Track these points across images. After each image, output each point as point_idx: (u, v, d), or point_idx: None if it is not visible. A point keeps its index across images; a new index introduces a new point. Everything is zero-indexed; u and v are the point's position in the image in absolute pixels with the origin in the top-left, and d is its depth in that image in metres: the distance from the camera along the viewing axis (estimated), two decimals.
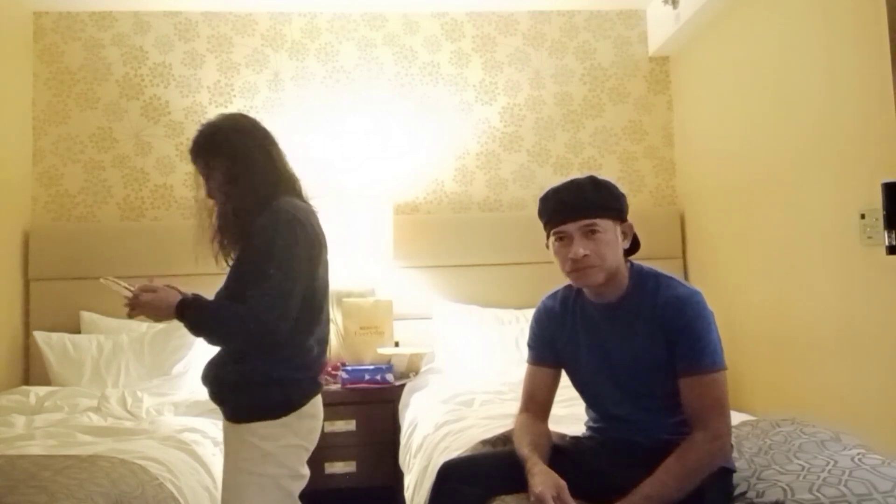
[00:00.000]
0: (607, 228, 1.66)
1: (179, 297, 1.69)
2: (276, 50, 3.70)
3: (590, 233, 1.66)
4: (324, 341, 1.82)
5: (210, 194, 1.80)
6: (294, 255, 1.67)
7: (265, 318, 1.63)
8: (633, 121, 3.85)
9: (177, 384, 3.00)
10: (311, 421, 1.77)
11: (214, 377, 1.77)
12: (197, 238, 1.81)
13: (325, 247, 1.81)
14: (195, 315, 1.67)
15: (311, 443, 1.79)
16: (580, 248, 1.64)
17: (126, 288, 1.72)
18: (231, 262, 1.79)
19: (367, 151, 3.70)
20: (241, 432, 1.70)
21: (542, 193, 1.75)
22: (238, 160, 1.75)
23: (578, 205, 1.67)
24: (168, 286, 1.72)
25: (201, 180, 1.81)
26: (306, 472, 1.79)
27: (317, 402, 1.80)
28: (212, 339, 1.72)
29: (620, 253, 1.70)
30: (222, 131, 1.79)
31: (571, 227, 1.67)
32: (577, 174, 1.78)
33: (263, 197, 1.73)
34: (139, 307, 1.68)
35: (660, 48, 3.73)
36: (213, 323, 1.68)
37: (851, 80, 2.37)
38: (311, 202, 1.85)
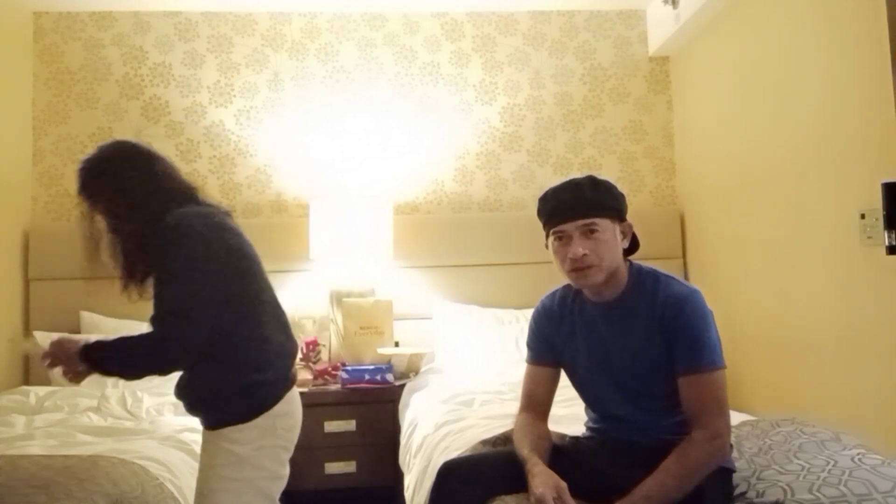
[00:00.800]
0: (606, 228, 1.67)
1: (80, 345, 1.65)
2: (276, 50, 3.70)
3: (589, 232, 1.66)
4: (281, 332, 1.78)
5: (109, 230, 1.75)
6: (188, 264, 1.62)
7: (169, 339, 1.60)
8: (633, 121, 3.85)
9: None
10: (285, 419, 1.73)
11: (185, 393, 1.75)
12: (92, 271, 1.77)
13: (238, 242, 1.73)
14: (98, 356, 1.64)
15: (290, 441, 1.76)
16: (579, 248, 1.65)
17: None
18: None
19: (367, 151, 3.70)
20: (215, 438, 1.70)
21: (541, 193, 1.76)
22: (119, 190, 1.71)
23: (577, 204, 1.67)
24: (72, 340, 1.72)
25: (96, 217, 1.76)
26: (285, 471, 1.77)
27: (290, 399, 1.76)
28: (128, 375, 1.71)
29: (619, 252, 1.70)
30: (99, 165, 1.74)
31: (570, 227, 1.67)
32: (576, 174, 1.77)
33: (150, 217, 1.68)
34: (55, 363, 1.68)
35: (660, 48, 3.73)
36: (119, 359, 1.64)
37: (851, 80, 2.37)
38: (217, 205, 1.79)
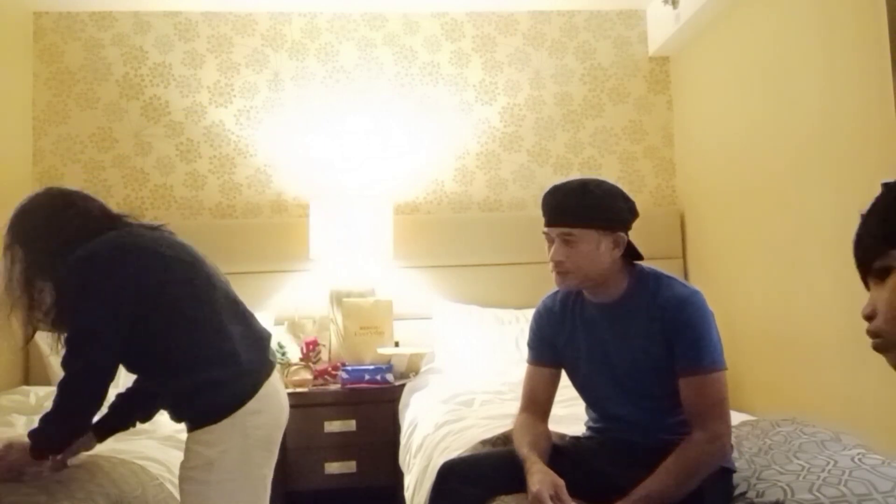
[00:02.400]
0: (585, 238, 1.65)
1: (24, 439, 1.69)
2: (276, 50, 3.70)
3: (567, 240, 1.66)
4: (241, 325, 1.74)
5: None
6: (84, 294, 1.61)
7: (75, 375, 1.62)
8: (633, 121, 3.85)
9: None
10: (256, 417, 1.68)
11: (162, 403, 1.81)
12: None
13: (160, 255, 1.70)
14: (38, 438, 1.67)
15: (265, 440, 1.72)
16: (556, 254, 1.68)
17: None
18: None
19: (367, 151, 3.70)
20: (189, 440, 1.70)
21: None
22: (23, 244, 1.70)
23: (557, 211, 1.68)
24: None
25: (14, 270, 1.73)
26: (265, 470, 1.75)
27: (263, 397, 1.70)
28: (71, 434, 1.74)
29: (604, 262, 1.67)
30: (12, 225, 1.73)
31: (552, 232, 1.69)
32: (578, 174, 1.77)
33: (50, 263, 1.67)
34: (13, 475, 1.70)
35: (660, 48, 3.73)
36: (51, 428, 1.66)
37: (851, 80, 2.37)
38: (140, 225, 1.78)
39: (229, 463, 1.66)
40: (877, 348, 0.82)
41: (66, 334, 1.63)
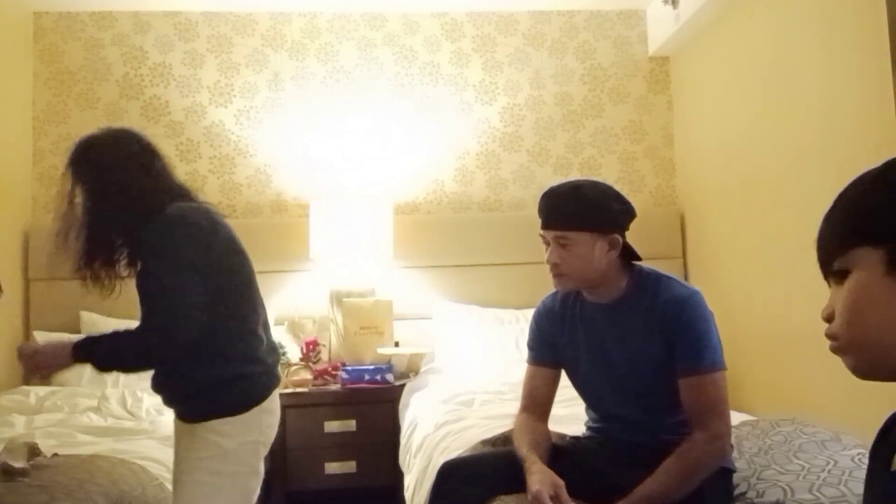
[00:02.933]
0: (580, 241, 1.65)
1: (73, 343, 1.65)
2: (276, 50, 3.70)
3: (561, 243, 1.67)
4: (266, 330, 1.79)
5: (82, 212, 1.72)
6: (182, 256, 1.61)
7: (162, 330, 1.59)
8: (633, 121, 3.85)
9: None
10: (269, 416, 1.73)
11: (168, 385, 1.74)
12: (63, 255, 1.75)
13: (232, 238, 1.74)
14: (90, 349, 1.64)
15: (270, 438, 1.76)
16: (551, 256, 1.69)
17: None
18: (108, 284, 1.76)
19: (367, 151, 3.70)
20: (199, 430, 1.66)
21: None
22: (112, 176, 1.69)
23: (550, 215, 1.69)
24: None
25: (76, 197, 1.73)
26: (263, 469, 1.76)
27: (275, 398, 1.76)
28: (123, 367, 1.74)
29: (600, 264, 1.67)
30: (96, 147, 1.74)
31: (548, 235, 1.70)
32: (578, 174, 1.78)
33: (143, 211, 1.66)
34: (26, 358, 1.70)
35: (660, 48, 3.73)
36: (113, 351, 1.64)
37: (851, 80, 2.37)
38: (212, 205, 1.80)
39: (244, 455, 1.67)
40: (834, 351, 0.82)
41: (150, 291, 1.61)
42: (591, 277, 1.69)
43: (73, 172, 1.74)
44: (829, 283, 0.82)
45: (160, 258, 1.61)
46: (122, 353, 1.64)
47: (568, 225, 1.66)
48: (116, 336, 1.63)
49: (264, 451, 1.74)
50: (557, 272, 1.69)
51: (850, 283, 0.77)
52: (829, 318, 0.81)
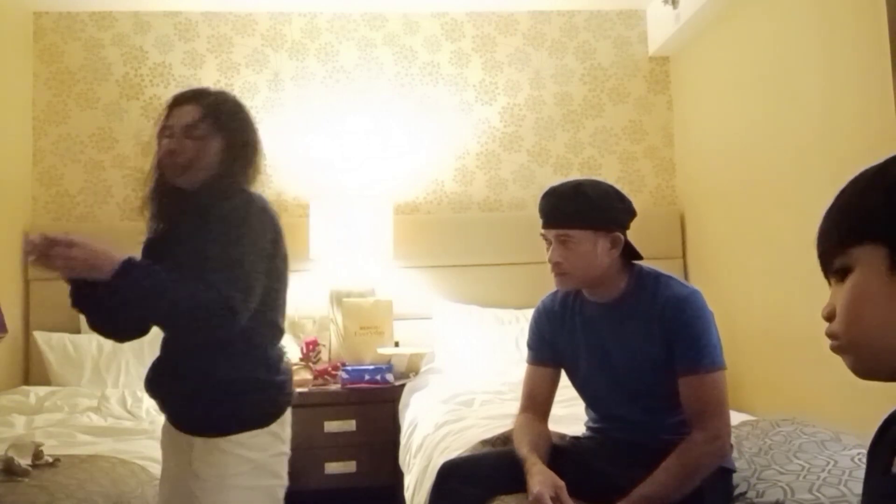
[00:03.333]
0: (582, 239, 1.66)
1: (124, 256, 1.44)
2: (276, 50, 3.70)
3: (564, 241, 1.67)
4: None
5: (197, 155, 1.59)
6: (261, 246, 1.54)
7: (225, 292, 1.42)
8: (633, 121, 3.85)
9: None
10: (289, 427, 1.64)
11: (182, 386, 1.56)
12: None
13: (285, 244, 1.66)
14: (143, 273, 1.43)
15: (289, 448, 1.65)
16: (554, 255, 1.69)
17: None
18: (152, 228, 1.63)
19: (367, 151, 3.70)
20: (224, 445, 1.51)
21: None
22: (240, 138, 1.62)
23: (552, 214, 1.70)
24: None
25: (194, 133, 1.59)
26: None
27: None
28: (155, 306, 1.45)
29: (602, 262, 1.68)
30: (231, 104, 1.66)
31: (549, 234, 1.71)
32: (578, 174, 1.78)
33: (241, 183, 1.59)
34: (63, 246, 1.44)
35: (660, 48, 3.73)
36: (162, 285, 1.43)
37: (851, 80, 2.37)
38: None
39: (276, 468, 1.57)
40: (834, 350, 0.80)
41: (227, 264, 1.46)
42: (593, 276, 1.69)
43: (212, 119, 1.60)
44: (829, 281, 0.81)
45: (245, 233, 1.51)
46: (173, 294, 1.42)
47: (570, 223, 1.66)
48: (177, 277, 1.43)
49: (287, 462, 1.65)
50: (559, 271, 1.69)
51: (851, 281, 0.76)
52: (829, 317, 0.80)
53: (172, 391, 1.59)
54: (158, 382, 1.60)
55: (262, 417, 1.56)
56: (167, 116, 1.64)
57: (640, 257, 1.76)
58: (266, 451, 1.55)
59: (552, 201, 1.70)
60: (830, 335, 0.80)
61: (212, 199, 1.55)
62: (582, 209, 1.66)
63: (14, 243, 3.34)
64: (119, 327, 1.63)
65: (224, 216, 1.53)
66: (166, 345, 1.65)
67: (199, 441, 1.54)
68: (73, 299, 1.55)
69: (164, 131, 1.62)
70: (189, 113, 1.60)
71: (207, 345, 1.54)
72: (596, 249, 1.67)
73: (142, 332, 1.65)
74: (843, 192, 0.83)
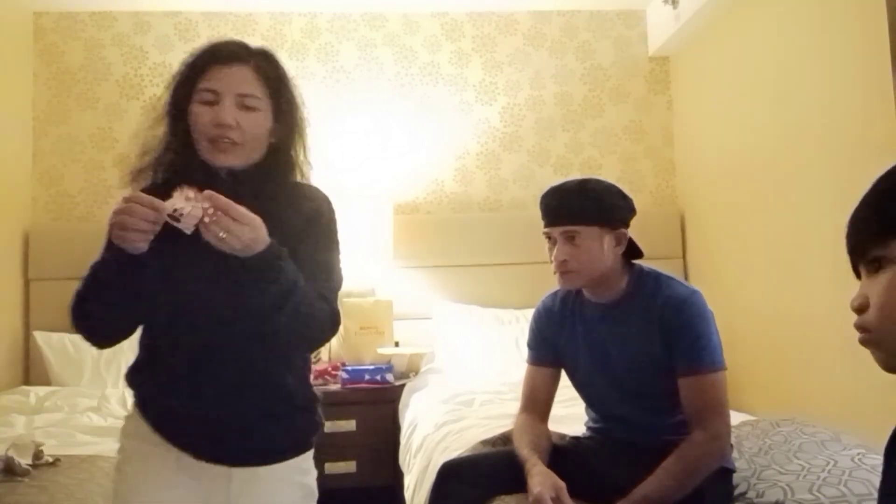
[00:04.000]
0: (589, 236, 1.66)
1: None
2: (276, 50, 3.69)
3: (570, 239, 1.67)
4: None
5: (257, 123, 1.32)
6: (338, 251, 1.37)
7: (335, 305, 1.28)
8: (633, 121, 3.85)
9: None
10: None
11: (251, 408, 1.28)
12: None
13: None
14: (290, 264, 1.21)
15: None
16: (560, 253, 1.68)
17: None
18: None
19: (367, 151, 3.70)
20: (279, 474, 1.31)
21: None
22: (297, 113, 1.42)
23: (560, 211, 1.69)
24: None
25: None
26: None
27: None
28: (292, 310, 1.21)
29: (607, 260, 1.69)
30: (285, 68, 1.44)
31: (555, 232, 1.70)
32: (578, 175, 1.78)
33: (302, 167, 1.42)
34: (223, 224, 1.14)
35: (660, 48, 3.73)
36: (299, 288, 1.21)
37: (851, 80, 2.37)
38: None
39: (317, 489, 1.42)
40: (864, 343, 0.77)
41: (332, 271, 1.33)
42: (599, 274, 1.69)
43: (276, 81, 1.38)
44: (858, 272, 0.77)
45: (337, 236, 1.37)
46: (308, 297, 1.23)
47: (578, 220, 1.66)
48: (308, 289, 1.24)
49: None
50: (565, 269, 1.68)
51: (890, 274, 0.73)
52: (860, 309, 0.76)
53: (237, 413, 1.28)
54: (214, 404, 1.26)
55: (314, 437, 1.39)
56: (207, 75, 1.30)
57: (641, 255, 1.76)
58: (313, 474, 1.41)
59: (558, 199, 1.70)
60: (861, 327, 0.76)
61: (291, 189, 1.36)
62: (589, 206, 1.67)
63: (14, 243, 3.34)
64: (119, 325, 1.32)
65: (320, 214, 1.36)
66: (213, 359, 1.27)
67: (240, 473, 1.28)
68: (106, 275, 1.23)
69: (204, 94, 1.29)
70: (244, 77, 1.31)
71: (277, 358, 1.30)
72: (602, 246, 1.68)
73: (129, 334, 1.34)
74: (883, 179, 0.77)
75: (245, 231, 1.14)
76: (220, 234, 1.13)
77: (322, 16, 3.73)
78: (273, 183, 1.34)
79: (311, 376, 1.44)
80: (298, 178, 1.43)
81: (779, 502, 1.55)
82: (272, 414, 1.30)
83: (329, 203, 1.41)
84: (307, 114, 1.48)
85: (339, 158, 3.68)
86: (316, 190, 1.42)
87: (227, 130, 1.27)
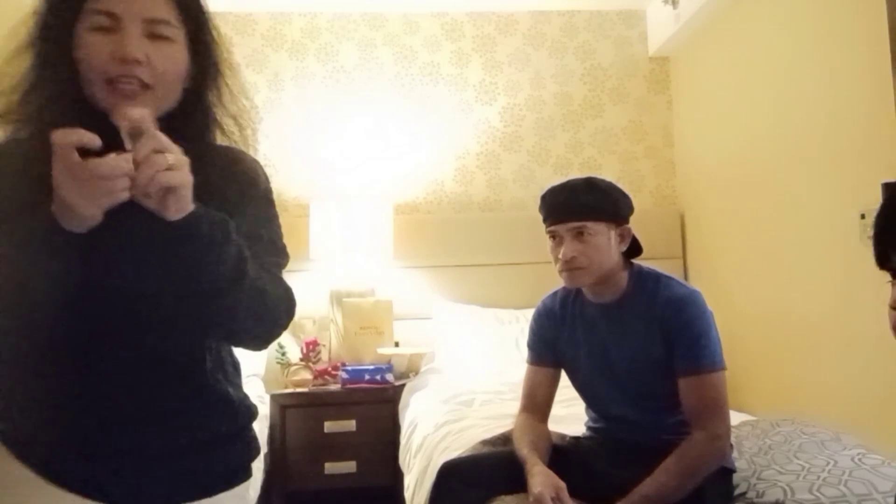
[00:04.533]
0: (598, 232, 1.67)
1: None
2: (276, 50, 3.70)
3: (579, 235, 1.67)
4: None
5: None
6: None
7: (293, 297, 1.08)
8: (633, 121, 3.85)
9: None
10: None
11: (177, 434, 0.99)
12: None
13: None
14: (224, 223, 0.95)
15: None
16: (569, 250, 1.67)
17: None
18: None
19: (367, 151, 3.70)
20: (241, 492, 1.08)
21: (542, 192, 1.77)
22: (218, 47, 1.11)
23: (568, 207, 1.69)
24: None
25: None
26: None
27: None
28: (247, 285, 0.97)
29: (614, 256, 1.70)
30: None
31: (562, 229, 1.69)
32: (578, 174, 1.78)
33: (223, 124, 1.09)
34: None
35: (660, 48, 3.73)
36: (245, 268, 0.97)
37: (851, 80, 2.37)
38: None
39: None
40: None
41: (279, 251, 1.13)
42: (606, 270, 1.69)
43: (186, 4, 1.03)
44: (882, 263, 0.76)
45: (275, 205, 1.17)
46: (259, 273, 0.99)
47: (587, 215, 1.67)
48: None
49: None
50: (573, 266, 1.67)
51: None
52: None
53: (160, 441, 0.98)
54: (125, 429, 0.95)
55: (256, 453, 1.12)
56: None
57: (640, 251, 1.77)
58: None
59: (565, 196, 1.70)
60: None
61: (215, 151, 1.07)
62: (597, 201, 1.68)
63: None
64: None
65: (256, 180, 1.13)
66: (128, 363, 0.97)
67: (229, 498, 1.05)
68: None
69: (97, 18, 0.98)
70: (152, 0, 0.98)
71: (200, 359, 1.02)
72: (610, 242, 1.69)
73: None
74: None
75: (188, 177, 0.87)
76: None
77: (322, 16, 3.73)
78: (194, 141, 0.99)
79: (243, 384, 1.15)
80: (219, 139, 1.09)
81: (779, 502, 1.55)
82: (205, 440, 1.00)
83: (262, 167, 1.16)
84: (228, 54, 1.15)
85: (339, 158, 3.68)
86: (241, 152, 1.12)
87: (133, 67, 0.94)
